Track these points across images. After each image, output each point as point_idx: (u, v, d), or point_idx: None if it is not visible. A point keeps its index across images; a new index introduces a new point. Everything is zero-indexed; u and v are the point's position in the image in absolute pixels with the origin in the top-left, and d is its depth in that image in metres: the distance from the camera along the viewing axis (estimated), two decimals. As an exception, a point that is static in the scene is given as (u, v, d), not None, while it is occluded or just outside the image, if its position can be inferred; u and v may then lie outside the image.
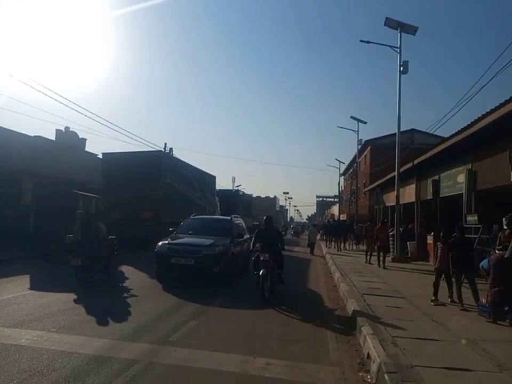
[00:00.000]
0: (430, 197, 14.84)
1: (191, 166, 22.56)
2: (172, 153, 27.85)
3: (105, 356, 4.38)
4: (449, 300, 7.42)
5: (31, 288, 8.33)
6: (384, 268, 13.02)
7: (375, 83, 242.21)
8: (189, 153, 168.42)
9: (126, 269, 11.52)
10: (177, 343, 4.93)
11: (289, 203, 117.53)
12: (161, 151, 25.08)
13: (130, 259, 13.76)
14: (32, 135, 20.61)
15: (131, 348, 4.71)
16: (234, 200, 35.80)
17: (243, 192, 44.82)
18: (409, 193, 17.71)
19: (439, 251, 7.72)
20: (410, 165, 15.87)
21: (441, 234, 7.98)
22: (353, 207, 37.89)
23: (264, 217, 9.19)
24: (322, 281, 10.98)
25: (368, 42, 16.73)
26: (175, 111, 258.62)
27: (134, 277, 10.34)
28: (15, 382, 3.60)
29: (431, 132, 19.15)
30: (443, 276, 7.69)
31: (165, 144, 29.61)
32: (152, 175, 17.64)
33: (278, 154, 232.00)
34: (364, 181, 37.38)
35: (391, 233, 15.49)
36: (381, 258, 13.48)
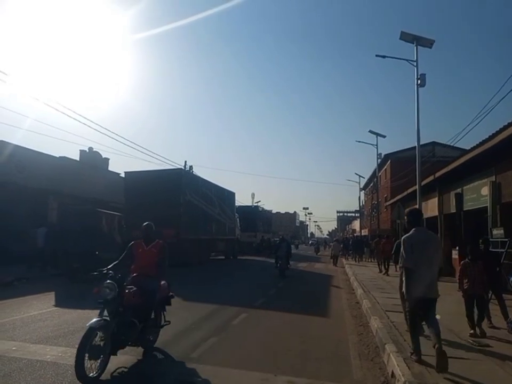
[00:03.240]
0: (453, 210, 14.49)
1: (210, 183, 22.82)
2: (192, 171, 28.24)
3: (128, 372, 4.42)
4: (488, 326, 6.43)
5: (56, 305, 8.52)
6: (387, 275, 15.62)
7: (392, 96, 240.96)
8: (209, 170, 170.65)
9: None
10: (198, 360, 4.93)
11: (309, 218, 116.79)
12: (181, 168, 25.49)
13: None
14: (57, 156, 21.34)
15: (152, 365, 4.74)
16: (254, 217, 35.81)
17: (263, 208, 44.71)
18: (431, 207, 17.36)
19: (468, 270, 6.30)
20: (431, 178, 15.60)
21: (468, 250, 6.66)
22: (374, 222, 37.29)
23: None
24: (345, 298, 10.79)
25: (384, 56, 16.73)
26: (194, 129, 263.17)
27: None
28: (40, 397, 3.67)
29: (452, 144, 18.84)
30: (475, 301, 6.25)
31: (185, 162, 30.09)
32: (173, 192, 17.94)
33: (297, 170, 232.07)
34: (385, 195, 36.86)
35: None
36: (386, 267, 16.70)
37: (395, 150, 36.49)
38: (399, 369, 4.20)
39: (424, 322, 5.01)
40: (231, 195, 26.94)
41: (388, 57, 16.68)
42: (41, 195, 17.78)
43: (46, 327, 6.42)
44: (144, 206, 17.59)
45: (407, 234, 4.98)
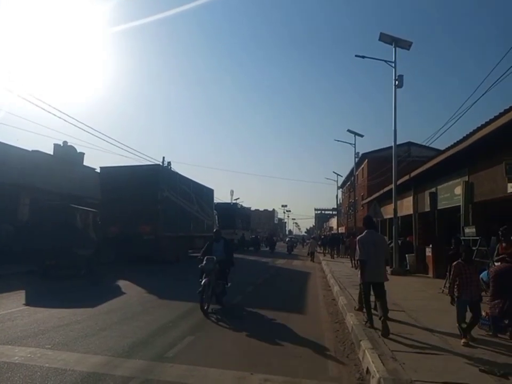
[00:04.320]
0: (427, 209, 14.85)
1: (189, 179, 22.58)
2: (170, 167, 27.87)
3: (100, 372, 4.31)
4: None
5: (26, 303, 8.22)
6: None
7: (371, 96, 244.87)
8: (187, 166, 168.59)
9: (123, 284, 11.41)
10: (174, 359, 4.86)
11: (288, 216, 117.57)
12: (159, 164, 25.10)
13: (128, 273, 13.67)
14: (30, 149, 20.62)
15: (126, 364, 4.64)
16: (233, 214, 35.70)
17: (241, 206, 44.72)
18: (406, 206, 17.72)
19: (463, 273, 5.62)
20: (407, 177, 15.91)
21: (462, 249, 6.10)
22: (351, 219, 37.83)
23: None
24: (322, 295, 10.89)
25: (363, 57, 16.93)
26: (173, 125, 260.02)
27: (131, 291, 10.23)
28: (7, 400, 3.52)
29: (427, 145, 19.27)
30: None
31: (163, 158, 29.76)
32: (150, 189, 17.66)
33: (276, 167, 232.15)
34: (362, 194, 37.43)
35: (390, 245, 15.63)
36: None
37: (373, 150, 37.12)
38: (374, 366, 4.25)
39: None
40: (209, 192, 26.75)
41: (367, 57, 16.90)
42: (12, 189, 17.15)
43: (15, 327, 6.19)
44: (121, 202, 17.27)
45: (360, 235, 6.59)
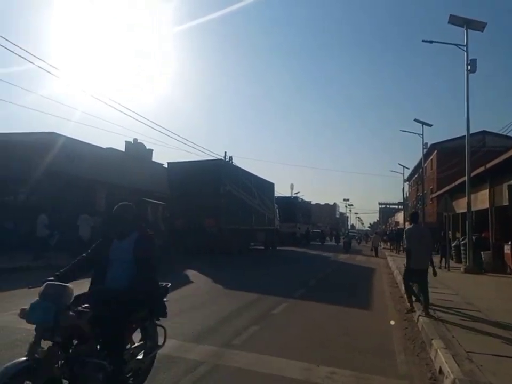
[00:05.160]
0: (505, 203, 13.67)
1: (250, 173, 22.95)
2: (232, 161, 28.52)
3: (173, 355, 4.57)
4: None
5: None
6: None
7: (436, 84, 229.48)
8: (248, 161, 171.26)
9: (191, 273, 11.96)
10: (240, 346, 5.02)
11: (350, 210, 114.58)
12: (221, 159, 25.81)
13: (194, 264, 14.28)
14: (104, 147, 22.28)
15: (197, 349, 4.88)
16: (293, 207, 35.67)
17: (302, 199, 44.43)
18: (481, 199, 16.46)
19: None
20: (482, 169, 14.77)
21: None
22: (420, 214, 35.97)
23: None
24: (388, 291, 10.54)
25: (431, 42, 15.95)
26: (234, 121, 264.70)
27: (198, 281, 10.70)
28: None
29: (504, 134, 17.71)
30: None
31: (225, 152, 30.44)
32: (213, 183, 18.25)
33: (337, 160, 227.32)
34: (431, 187, 35.39)
35: (462, 241, 14.66)
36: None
37: (442, 140, 34.85)
38: (448, 366, 4.05)
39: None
40: (270, 186, 26.97)
41: (436, 42, 15.91)
42: (89, 184, 18.64)
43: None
44: (186, 196, 18.07)
45: (407, 228, 7.87)
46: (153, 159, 28.00)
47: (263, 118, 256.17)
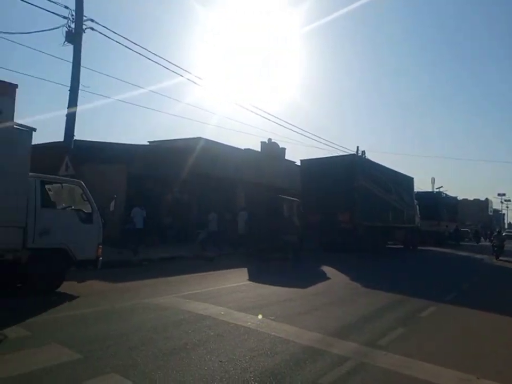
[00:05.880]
0: None
1: (385, 168, 21.81)
2: (365, 156, 27.51)
3: (317, 348, 4.66)
4: None
5: (249, 279, 9.66)
6: None
7: None
8: (383, 155, 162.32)
9: (327, 269, 12.01)
10: (387, 347, 4.81)
11: (507, 207, 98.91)
12: (354, 154, 25.13)
13: (329, 260, 14.28)
14: (242, 148, 23.95)
15: (339, 344, 4.87)
16: (436, 203, 32.43)
17: (446, 194, 40.10)
18: None
19: None
20: None
21: None
22: None
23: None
24: None
25: None
26: (363, 115, 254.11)
27: (335, 277, 10.67)
28: (247, 357, 4.21)
29: None
30: None
31: (357, 147, 29.54)
32: (347, 178, 17.90)
33: (485, 150, 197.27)
34: None
35: None
36: None
37: None
38: None
39: None
40: (409, 180, 25.14)
41: None
42: (231, 183, 20.25)
43: (243, 298, 7.34)
44: (319, 192, 18.15)
45: None
46: (286, 157, 28.92)
47: (399, 111, 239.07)
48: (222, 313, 6.06)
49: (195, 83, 17.29)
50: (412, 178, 25.59)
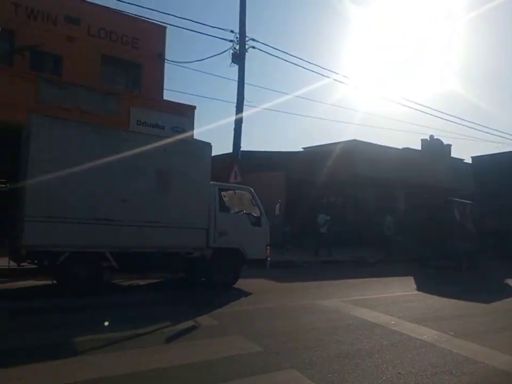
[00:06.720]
0: None
1: None
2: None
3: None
4: None
5: (418, 289, 8.98)
6: None
7: None
8: None
9: (512, 283, 10.26)
10: None
11: None
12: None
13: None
14: (400, 147, 22.46)
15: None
16: None
17: None
18: None
19: None
20: None
21: None
22: None
23: None
24: None
25: None
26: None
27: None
28: (428, 373, 3.90)
29: None
30: None
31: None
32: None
33: None
34: None
35: None
36: None
37: None
38: None
39: None
40: None
41: None
42: (389, 185, 19.18)
43: (413, 308, 6.85)
44: (497, 193, 15.67)
45: None
46: (452, 154, 25.97)
47: None
48: (393, 322, 5.77)
49: (341, 82, 17.12)
50: None
